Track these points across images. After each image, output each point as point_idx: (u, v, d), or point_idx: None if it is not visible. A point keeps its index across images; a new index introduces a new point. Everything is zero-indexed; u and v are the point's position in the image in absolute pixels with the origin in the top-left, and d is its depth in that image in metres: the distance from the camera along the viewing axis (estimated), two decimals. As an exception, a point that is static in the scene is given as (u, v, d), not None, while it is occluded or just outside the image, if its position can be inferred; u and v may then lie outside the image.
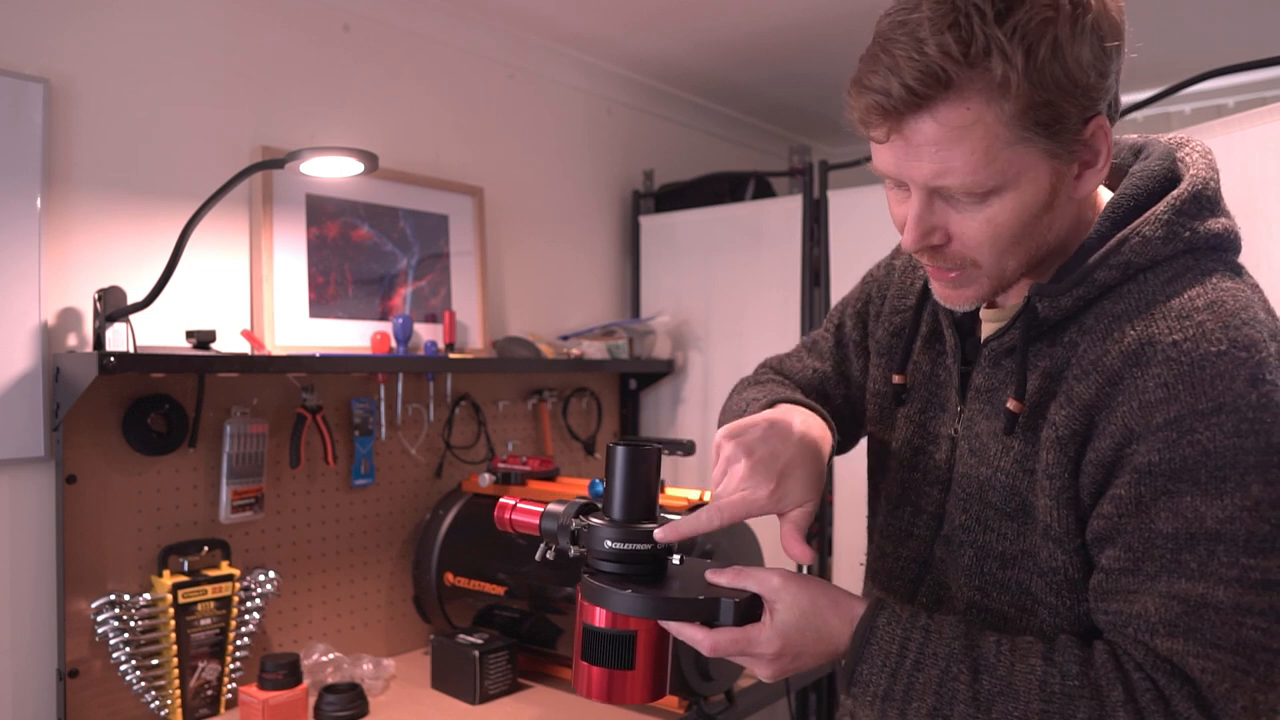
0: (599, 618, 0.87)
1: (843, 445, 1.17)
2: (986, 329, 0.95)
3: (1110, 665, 0.78)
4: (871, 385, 1.08)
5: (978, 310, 0.96)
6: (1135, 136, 0.95)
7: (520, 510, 0.98)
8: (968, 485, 0.91)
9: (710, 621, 0.84)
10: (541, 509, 0.95)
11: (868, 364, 1.12)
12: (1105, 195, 0.90)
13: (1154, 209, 0.83)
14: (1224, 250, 0.85)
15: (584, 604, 0.89)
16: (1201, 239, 0.83)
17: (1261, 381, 0.75)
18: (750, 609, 0.85)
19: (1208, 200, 0.84)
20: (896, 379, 1.02)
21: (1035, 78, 0.73)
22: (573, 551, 0.91)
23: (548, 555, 0.93)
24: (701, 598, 0.84)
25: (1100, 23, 0.76)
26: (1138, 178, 0.86)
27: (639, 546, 0.87)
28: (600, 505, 0.92)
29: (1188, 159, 0.87)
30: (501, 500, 0.99)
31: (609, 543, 0.87)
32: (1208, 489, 0.75)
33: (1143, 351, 0.78)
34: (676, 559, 0.90)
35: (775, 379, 1.16)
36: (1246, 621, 0.74)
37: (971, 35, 0.73)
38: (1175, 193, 0.84)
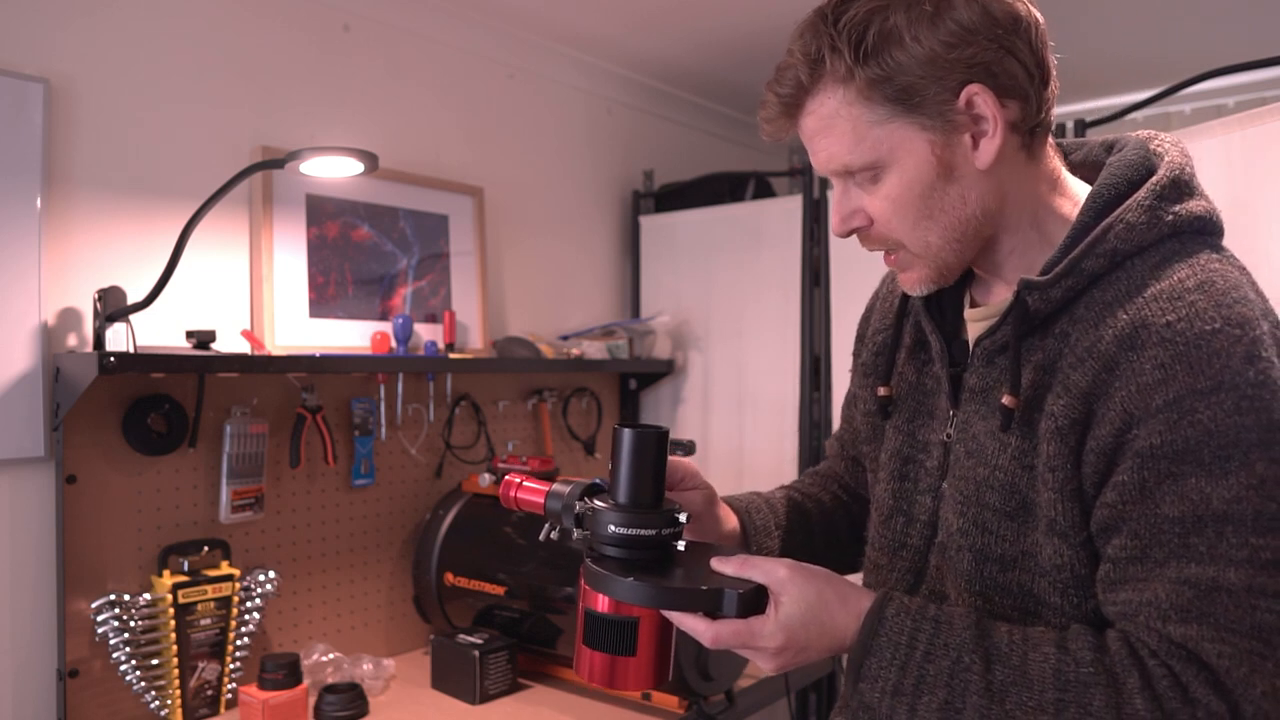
0: (601, 603, 0.86)
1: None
2: (973, 329, 0.95)
3: (1125, 652, 0.77)
4: (862, 407, 1.08)
5: (962, 313, 0.97)
6: (1103, 136, 0.97)
7: (525, 489, 0.96)
8: (964, 488, 0.90)
9: (713, 612, 0.83)
10: (547, 488, 0.94)
11: None
12: (1084, 190, 0.91)
13: (1135, 196, 0.84)
14: (1207, 234, 0.86)
15: (586, 588, 0.87)
16: (1185, 221, 0.84)
17: (1258, 359, 0.75)
18: (754, 600, 0.83)
19: (1185, 184, 0.85)
20: (882, 391, 1.02)
21: (870, 62, 0.83)
22: (576, 534, 0.89)
23: (552, 535, 0.92)
24: (705, 588, 0.82)
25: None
26: (1115, 168, 0.87)
27: (643, 532, 0.86)
28: (606, 488, 0.91)
29: (1160, 148, 0.89)
30: (507, 477, 0.98)
31: (613, 527, 0.86)
32: (1211, 469, 0.74)
33: (1136, 335, 0.79)
34: (682, 544, 0.89)
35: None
36: (1260, 604, 0.73)
37: (815, 39, 0.85)
38: (1154, 179, 0.85)
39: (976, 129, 0.85)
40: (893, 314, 1.05)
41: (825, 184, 2.25)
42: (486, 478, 1.93)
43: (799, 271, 2.27)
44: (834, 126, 0.86)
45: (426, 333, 2.05)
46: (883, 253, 0.93)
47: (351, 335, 1.92)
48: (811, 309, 2.26)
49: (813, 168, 2.27)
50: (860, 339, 1.14)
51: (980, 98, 0.83)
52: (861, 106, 0.84)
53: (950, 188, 0.86)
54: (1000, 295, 0.93)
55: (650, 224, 2.62)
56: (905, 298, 1.03)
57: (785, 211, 2.32)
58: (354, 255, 1.94)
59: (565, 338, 2.41)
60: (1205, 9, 2.17)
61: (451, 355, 2.03)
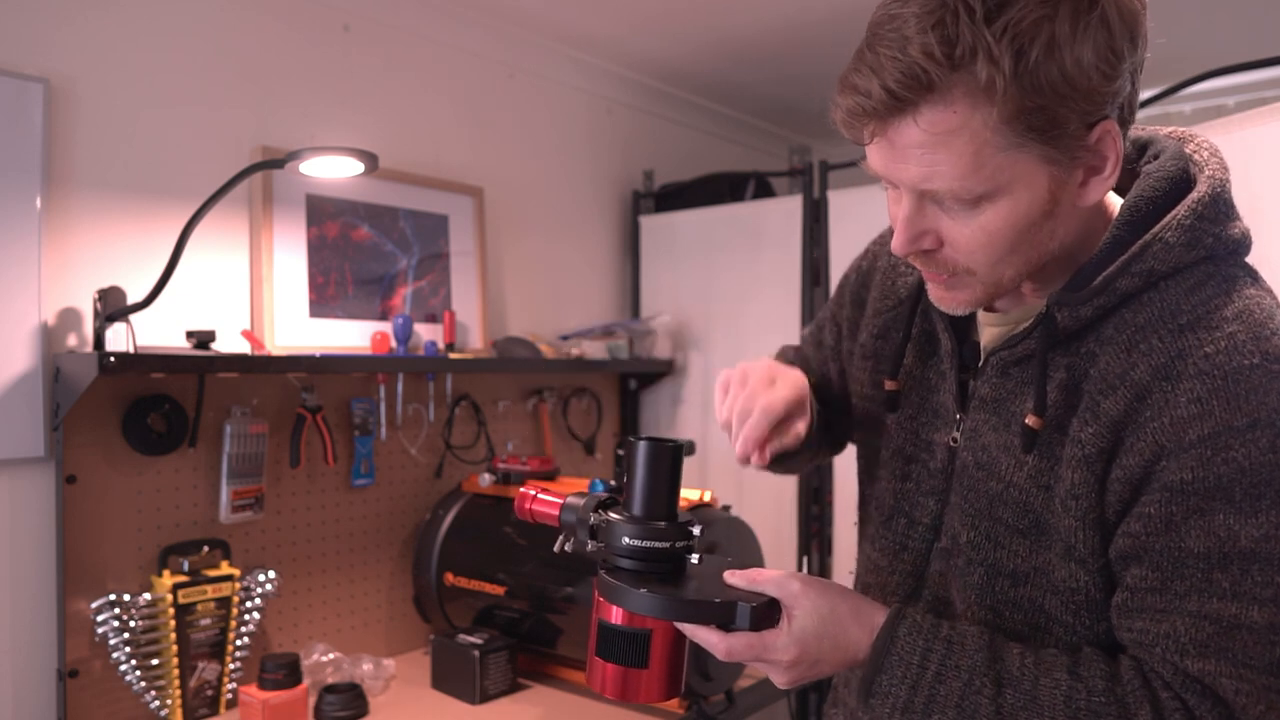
0: (615, 614, 0.86)
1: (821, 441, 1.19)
2: (987, 334, 0.91)
3: (1138, 682, 0.76)
4: (858, 389, 1.05)
5: (974, 314, 0.93)
6: (1135, 129, 0.90)
7: (540, 500, 0.96)
8: (975, 500, 0.88)
9: (726, 625, 0.83)
10: (562, 500, 0.94)
11: (842, 369, 1.12)
12: (1112, 197, 0.87)
13: (1175, 213, 0.79)
14: (1240, 254, 0.82)
15: (599, 600, 0.88)
16: (1223, 245, 0.80)
17: None
18: (767, 614, 0.83)
19: (1225, 203, 0.81)
20: (890, 385, 0.97)
21: (1026, 81, 0.69)
22: (590, 546, 0.89)
23: (566, 548, 0.92)
24: (718, 600, 0.82)
25: (1109, 18, 0.71)
26: (1154, 179, 0.82)
27: (657, 544, 0.86)
28: (620, 500, 0.91)
29: (1198, 157, 0.84)
30: (521, 490, 0.98)
31: (627, 539, 0.86)
32: (1242, 507, 0.73)
33: (1173, 365, 0.75)
34: (695, 558, 0.89)
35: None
36: None
37: (957, 35, 0.69)
38: (1195, 196, 0.80)
39: (1091, 164, 0.76)
40: (894, 297, 1.00)
41: (825, 184, 2.25)
42: (486, 478, 1.93)
43: (799, 271, 2.27)
44: (950, 144, 0.72)
45: (426, 333, 2.05)
46: (923, 269, 0.85)
47: (351, 335, 1.92)
48: (811, 309, 2.26)
49: (811, 166, 2.28)
50: (859, 303, 1.07)
51: (1111, 135, 0.75)
52: (997, 131, 0.71)
53: (1047, 223, 0.77)
54: (1019, 303, 0.89)
55: (650, 224, 2.62)
56: (918, 284, 0.97)
57: (785, 211, 2.32)
58: (354, 255, 1.94)
59: (565, 338, 2.41)
60: (1205, 9, 2.17)
61: (451, 355, 2.03)
